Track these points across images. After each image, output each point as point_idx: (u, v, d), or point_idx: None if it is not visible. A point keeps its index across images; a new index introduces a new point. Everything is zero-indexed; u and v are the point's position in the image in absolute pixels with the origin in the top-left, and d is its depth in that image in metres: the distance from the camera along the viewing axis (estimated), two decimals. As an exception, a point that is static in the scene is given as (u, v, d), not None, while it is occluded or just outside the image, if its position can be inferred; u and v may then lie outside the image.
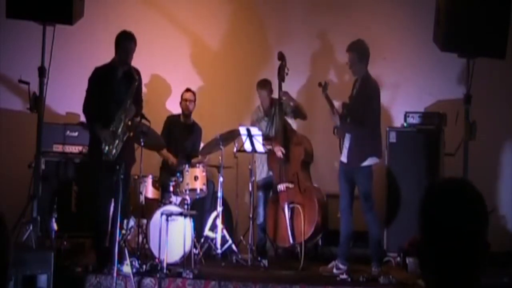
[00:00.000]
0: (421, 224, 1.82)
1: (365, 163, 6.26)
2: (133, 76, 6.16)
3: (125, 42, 6.20)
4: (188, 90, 7.62)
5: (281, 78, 6.96)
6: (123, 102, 6.06)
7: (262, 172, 7.32)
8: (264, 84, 7.26)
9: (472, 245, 1.77)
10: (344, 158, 6.38)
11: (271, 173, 7.20)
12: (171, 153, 7.39)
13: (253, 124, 7.22)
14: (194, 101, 7.62)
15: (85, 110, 6.25)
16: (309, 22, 8.20)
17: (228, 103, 8.31)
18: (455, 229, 1.77)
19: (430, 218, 1.81)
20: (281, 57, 7.01)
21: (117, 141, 6.00)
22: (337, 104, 6.62)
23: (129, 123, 6.07)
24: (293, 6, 8.32)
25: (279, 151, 6.94)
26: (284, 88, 7.04)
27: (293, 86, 7.52)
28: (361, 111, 6.27)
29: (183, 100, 7.59)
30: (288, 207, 6.78)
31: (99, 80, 6.17)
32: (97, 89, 6.16)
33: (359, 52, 6.31)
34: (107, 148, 5.95)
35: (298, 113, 7.15)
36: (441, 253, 1.78)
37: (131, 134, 6.09)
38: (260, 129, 6.99)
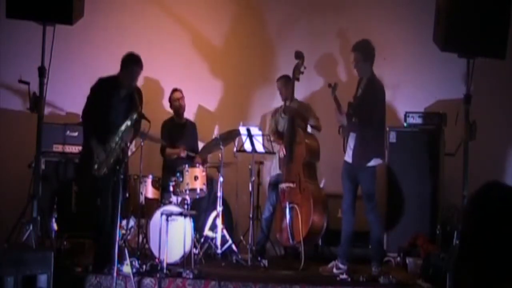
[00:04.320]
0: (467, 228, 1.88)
1: (370, 164, 6.26)
2: (134, 101, 5.91)
3: (132, 66, 6.05)
4: (175, 90, 7.62)
5: (295, 78, 6.95)
6: (121, 124, 5.88)
7: (275, 168, 7.31)
8: (279, 78, 7.32)
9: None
10: (348, 158, 6.36)
11: None
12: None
13: (273, 118, 7.37)
14: (184, 97, 7.62)
15: (84, 116, 6.17)
16: (310, 21, 8.19)
17: (228, 102, 8.31)
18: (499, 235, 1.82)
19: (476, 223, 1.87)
20: (299, 55, 6.94)
21: (109, 161, 5.87)
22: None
23: (124, 146, 5.88)
24: (294, 5, 8.32)
25: (281, 151, 6.96)
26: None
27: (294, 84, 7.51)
28: (367, 111, 6.26)
29: (174, 101, 7.58)
30: (289, 207, 6.78)
31: (102, 95, 6.06)
32: (98, 102, 6.05)
33: (364, 52, 6.31)
34: (97, 165, 5.89)
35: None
36: (479, 266, 1.83)
37: (123, 157, 5.90)
38: (278, 124, 7.14)
